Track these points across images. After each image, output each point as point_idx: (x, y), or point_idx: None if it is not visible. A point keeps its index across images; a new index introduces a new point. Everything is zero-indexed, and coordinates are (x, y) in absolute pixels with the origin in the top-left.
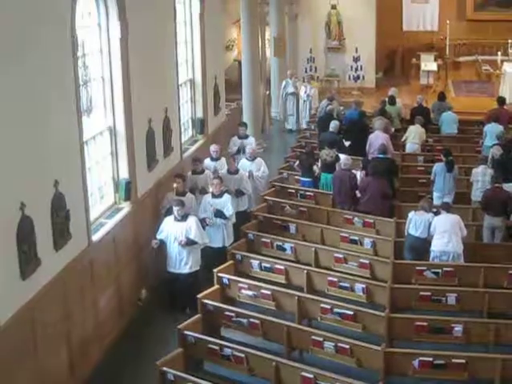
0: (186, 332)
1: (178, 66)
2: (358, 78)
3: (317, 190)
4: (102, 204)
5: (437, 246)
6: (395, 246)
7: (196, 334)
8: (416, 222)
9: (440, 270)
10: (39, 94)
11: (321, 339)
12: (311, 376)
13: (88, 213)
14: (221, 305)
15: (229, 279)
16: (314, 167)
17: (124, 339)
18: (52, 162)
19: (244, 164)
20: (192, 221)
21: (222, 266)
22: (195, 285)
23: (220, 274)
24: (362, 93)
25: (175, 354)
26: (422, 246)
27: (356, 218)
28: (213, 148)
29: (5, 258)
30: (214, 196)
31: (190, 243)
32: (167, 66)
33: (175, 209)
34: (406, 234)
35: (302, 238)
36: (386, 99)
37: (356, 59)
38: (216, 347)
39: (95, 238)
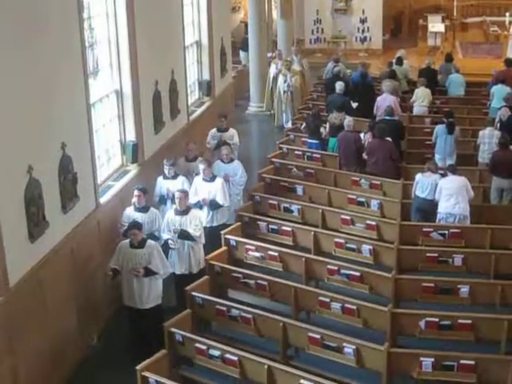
0: (194, 293)
1: (185, 27)
2: (365, 39)
3: (324, 152)
4: (109, 166)
5: (443, 207)
6: (402, 208)
7: (204, 296)
8: (423, 183)
9: (447, 232)
10: (45, 57)
11: (328, 300)
12: (318, 336)
13: (95, 175)
14: (228, 266)
15: (236, 241)
16: (321, 129)
17: None
18: (59, 125)
19: (218, 167)
20: (151, 246)
21: (229, 228)
22: (159, 320)
23: (227, 236)
24: (368, 55)
25: (183, 315)
26: (428, 208)
27: (363, 180)
28: (189, 147)
29: (13, 221)
30: (177, 213)
31: (148, 273)
32: (173, 28)
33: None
34: (412, 195)
35: (308, 199)
36: (394, 61)
37: (363, 21)
38: (224, 308)
39: (103, 200)
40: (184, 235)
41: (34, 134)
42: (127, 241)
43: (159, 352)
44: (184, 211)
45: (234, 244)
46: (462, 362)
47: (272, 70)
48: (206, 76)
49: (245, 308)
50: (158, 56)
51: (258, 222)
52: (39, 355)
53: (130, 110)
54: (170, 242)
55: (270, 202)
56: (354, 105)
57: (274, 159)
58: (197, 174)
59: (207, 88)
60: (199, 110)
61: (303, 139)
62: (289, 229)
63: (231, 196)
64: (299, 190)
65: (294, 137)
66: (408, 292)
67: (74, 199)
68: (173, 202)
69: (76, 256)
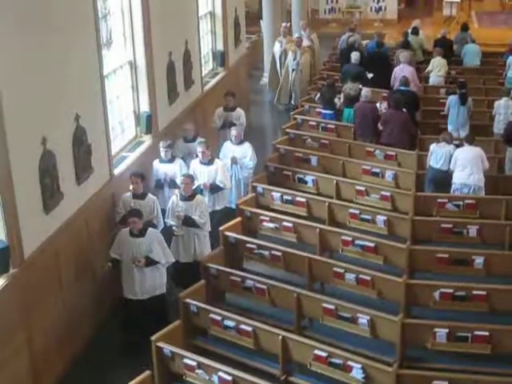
0: (209, 264)
1: None
2: (380, 9)
3: (338, 123)
4: (124, 138)
5: (458, 178)
6: (417, 179)
7: (218, 267)
8: (437, 154)
9: (461, 203)
10: (59, 28)
11: (342, 271)
12: (332, 307)
13: (109, 146)
14: (242, 237)
15: (250, 212)
16: (336, 100)
17: None
18: (73, 97)
19: (227, 149)
20: (152, 235)
21: (243, 199)
22: (160, 311)
23: (242, 207)
24: (383, 24)
25: (198, 286)
26: (443, 179)
27: (377, 151)
28: (187, 126)
29: (28, 193)
30: (182, 198)
31: (150, 263)
32: None
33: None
34: (427, 166)
35: (323, 170)
36: (409, 31)
37: None
38: (238, 279)
39: (117, 171)
40: (188, 222)
41: (48, 105)
42: (127, 229)
43: (174, 322)
44: (189, 197)
45: (249, 215)
46: (476, 333)
47: (277, 49)
48: (220, 47)
49: (259, 279)
50: (172, 27)
51: (273, 193)
52: (54, 328)
53: (143, 81)
54: (174, 228)
55: (285, 172)
56: (369, 75)
57: (288, 130)
58: (197, 156)
59: (221, 59)
60: (213, 81)
61: (318, 110)
62: (303, 200)
63: (239, 180)
64: (313, 160)
65: (308, 107)
66: (422, 263)
67: (88, 171)
68: (170, 186)
69: (90, 227)
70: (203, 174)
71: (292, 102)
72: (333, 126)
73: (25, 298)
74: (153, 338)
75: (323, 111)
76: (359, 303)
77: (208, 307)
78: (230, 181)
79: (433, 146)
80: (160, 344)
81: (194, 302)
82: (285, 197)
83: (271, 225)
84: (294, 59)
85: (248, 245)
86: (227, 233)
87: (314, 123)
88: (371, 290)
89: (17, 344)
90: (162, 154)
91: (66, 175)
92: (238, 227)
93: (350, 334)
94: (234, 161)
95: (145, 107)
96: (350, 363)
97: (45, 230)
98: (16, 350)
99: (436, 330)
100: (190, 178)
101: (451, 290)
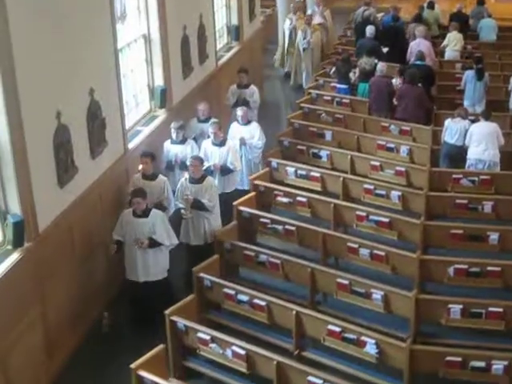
0: (223, 239)
1: None
2: None
3: (353, 97)
4: (138, 112)
5: (473, 153)
6: (432, 154)
7: (232, 241)
8: (452, 129)
9: (476, 178)
10: (73, 2)
11: (356, 246)
12: (346, 282)
13: (123, 120)
14: (256, 212)
15: (264, 186)
16: (351, 74)
17: None
18: (87, 71)
19: (234, 130)
20: (156, 216)
21: (257, 174)
22: (162, 295)
23: (256, 182)
24: None
25: (211, 261)
26: (458, 154)
27: (392, 126)
28: (200, 107)
29: (43, 167)
30: (192, 181)
31: (153, 245)
32: None
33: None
34: (441, 141)
35: (337, 145)
36: (424, 5)
37: None
38: (252, 253)
39: (131, 145)
40: (197, 205)
41: (63, 79)
42: (130, 210)
43: (188, 296)
44: (199, 179)
45: (263, 189)
46: (490, 309)
47: (287, 26)
48: (235, 21)
49: (273, 253)
50: (186, 0)
51: (287, 168)
52: (67, 302)
53: (158, 55)
54: (182, 211)
55: (299, 147)
56: (385, 49)
57: (302, 104)
58: (209, 136)
59: (235, 33)
60: (227, 55)
61: (332, 84)
62: (317, 174)
63: (249, 161)
64: (328, 135)
65: (323, 82)
66: (437, 239)
67: (102, 145)
68: (181, 168)
69: (104, 201)
70: (214, 155)
71: (303, 82)
72: (348, 101)
73: (39, 272)
74: (167, 311)
75: (338, 86)
76: (373, 278)
77: (222, 281)
78: (240, 162)
79: (448, 122)
80: (174, 318)
81: (208, 277)
82: (299, 171)
83: (285, 199)
84: (304, 38)
85: (262, 219)
86: (241, 207)
87: (328, 98)
88: (385, 266)
89: (31, 318)
90: (174, 135)
91: (81, 149)
92: (251, 202)
93: (363, 310)
94: (242, 142)
95: (159, 81)
96: (363, 338)
97: (59, 204)
98: (30, 324)
99: (450, 306)
100: (199, 161)
101: (465, 266)
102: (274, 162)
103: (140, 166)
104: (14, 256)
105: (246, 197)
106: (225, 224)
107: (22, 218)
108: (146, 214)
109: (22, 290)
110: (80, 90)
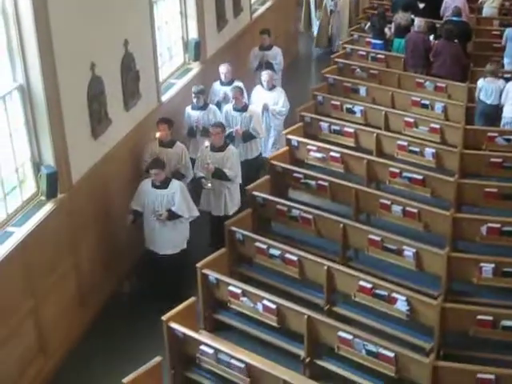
0: (255, 193)
1: None
2: None
3: (388, 53)
4: (171, 64)
5: (509, 112)
6: (466, 111)
7: (264, 195)
8: (487, 89)
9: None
10: None
11: (389, 202)
12: (378, 239)
13: (157, 73)
14: (289, 166)
15: (298, 141)
16: (386, 29)
17: None
18: (122, 22)
19: (257, 95)
20: (176, 187)
21: (290, 128)
22: (180, 269)
23: (289, 136)
24: None
25: (244, 215)
26: (493, 113)
27: (427, 82)
28: (222, 69)
29: (77, 118)
30: (213, 149)
31: (172, 217)
32: None
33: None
34: (476, 100)
35: (372, 101)
36: None
37: None
38: (284, 208)
39: (164, 98)
40: (218, 174)
41: (97, 30)
42: (149, 180)
43: (219, 250)
44: (220, 148)
45: (296, 144)
46: None
47: None
48: None
49: (305, 208)
50: None
51: (320, 123)
52: (100, 253)
53: (192, 7)
54: (203, 181)
55: (333, 102)
56: (421, 5)
57: (337, 59)
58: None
59: None
60: (262, 8)
61: (367, 39)
62: (351, 130)
63: (271, 128)
64: (362, 91)
65: (357, 37)
66: (470, 197)
67: (136, 97)
68: (203, 134)
69: (137, 154)
70: (236, 121)
71: (331, 46)
72: (382, 56)
73: (72, 223)
74: (198, 264)
75: (373, 41)
76: (405, 236)
77: (254, 235)
78: (263, 129)
79: (481, 82)
80: (205, 271)
81: (240, 230)
82: (333, 127)
83: (318, 155)
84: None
85: (295, 174)
86: (274, 162)
87: (363, 53)
88: (418, 223)
89: (64, 268)
90: (194, 100)
91: (114, 101)
92: (285, 156)
93: (394, 266)
94: (265, 108)
95: (193, 34)
96: (394, 295)
97: (92, 156)
98: (63, 274)
99: (482, 264)
100: (220, 128)
101: (499, 225)
102: (308, 116)
103: (157, 133)
104: (48, 207)
105: (279, 151)
106: (243, 196)
107: (55, 169)
108: (165, 184)
109: (56, 240)
110: (114, 41)
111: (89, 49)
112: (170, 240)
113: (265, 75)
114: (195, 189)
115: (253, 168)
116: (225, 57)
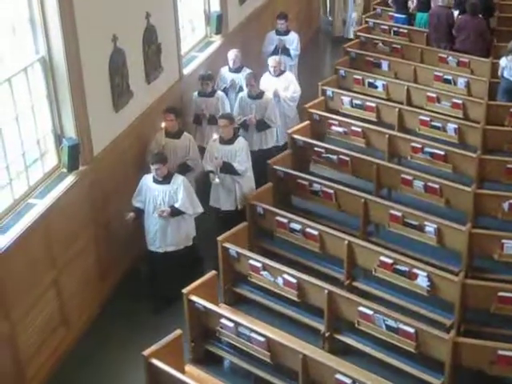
0: (276, 167)
1: None
2: None
3: (411, 27)
4: (194, 37)
5: None
6: (490, 87)
7: (285, 169)
8: (511, 68)
9: None
10: None
11: (410, 178)
12: (399, 214)
13: (179, 46)
14: (311, 140)
15: (319, 115)
16: (409, 3)
17: None
18: None
19: (266, 81)
20: (179, 182)
21: (312, 103)
22: (185, 266)
23: (311, 110)
24: None
25: (265, 188)
26: None
27: (450, 57)
28: (231, 55)
29: (98, 91)
30: (222, 142)
31: (175, 213)
32: None
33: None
34: (500, 76)
35: (394, 75)
36: None
37: None
38: (305, 182)
39: (186, 71)
40: (227, 169)
41: (119, 3)
42: (151, 175)
43: (240, 224)
44: (229, 140)
45: (317, 118)
46: None
47: None
48: None
49: (326, 183)
50: None
51: (342, 97)
52: (121, 226)
53: None
54: (211, 175)
55: (355, 76)
56: None
57: (359, 33)
58: (240, 88)
59: None
60: None
61: (390, 13)
62: (373, 104)
63: (282, 115)
64: (384, 65)
65: (380, 11)
66: (492, 173)
67: (157, 70)
68: (209, 122)
69: (158, 127)
70: (250, 109)
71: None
72: (405, 31)
73: (93, 195)
74: (219, 238)
75: (396, 15)
76: (426, 211)
77: (275, 209)
78: (278, 118)
79: (503, 60)
80: (226, 244)
81: (261, 204)
82: (354, 101)
83: (340, 129)
84: None
85: (316, 148)
86: (295, 136)
87: (385, 27)
88: (439, 199)
89: (85, 240)
90: (201, 87)
91: (136, 74)
92: (306, 130)
93: (415, 242)
94: (275, 94)
95: (215, 7)
96: (415, 271)
97: (114, 129)
98: (84, 247)
99: (504, 241)
100: (228, 120)
101: None
102: (330, 90)
103: (163, 124)
104: (69, 179)
105: (301, 125)
106: (260, 185)
107: (77, 141)
108: (167, 180)
109: (77, 212)
110: (136, 13)
111: (111, 21)
112: (172, 237)
113: (271, 61)
114: (204, 183)
115: (264, 160)
116: (247, 30)
